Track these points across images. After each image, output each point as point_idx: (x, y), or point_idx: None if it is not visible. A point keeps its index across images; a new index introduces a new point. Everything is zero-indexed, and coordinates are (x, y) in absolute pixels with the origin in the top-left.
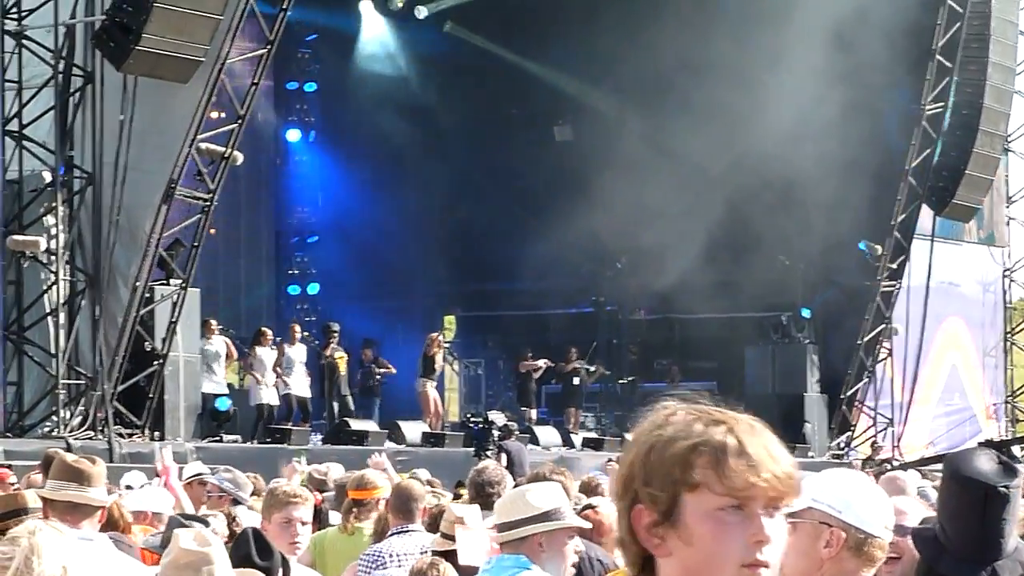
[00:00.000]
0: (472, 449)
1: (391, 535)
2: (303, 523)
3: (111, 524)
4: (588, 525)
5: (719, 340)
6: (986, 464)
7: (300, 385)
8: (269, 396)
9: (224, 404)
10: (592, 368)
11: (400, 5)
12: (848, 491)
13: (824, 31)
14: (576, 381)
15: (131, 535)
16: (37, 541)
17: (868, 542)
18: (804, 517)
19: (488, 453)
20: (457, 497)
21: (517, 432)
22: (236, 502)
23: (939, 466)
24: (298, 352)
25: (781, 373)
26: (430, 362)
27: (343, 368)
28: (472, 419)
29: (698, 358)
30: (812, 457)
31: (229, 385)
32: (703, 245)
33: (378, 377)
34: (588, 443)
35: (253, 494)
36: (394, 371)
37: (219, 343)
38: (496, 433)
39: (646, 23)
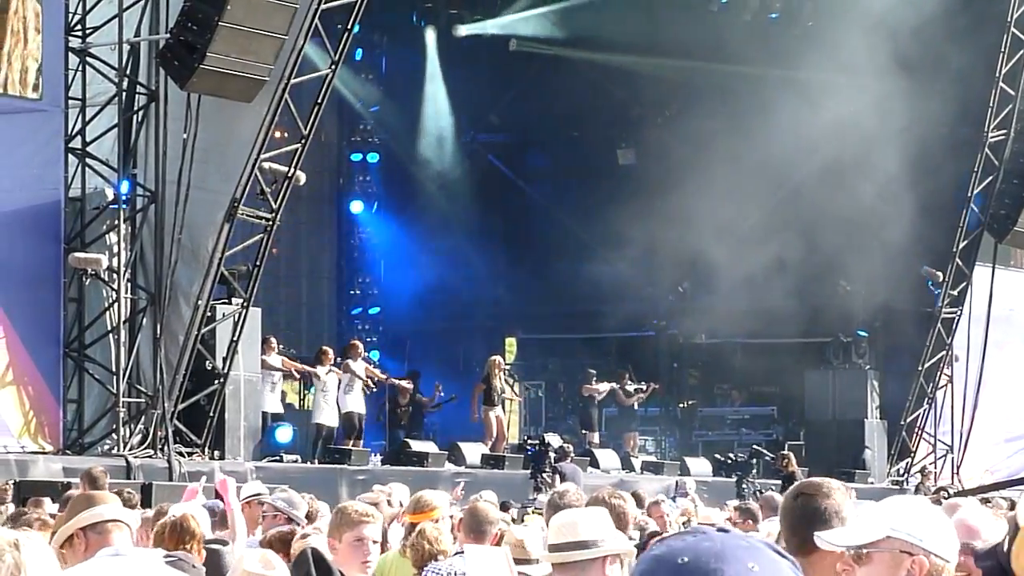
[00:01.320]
0: (529, 471)
1: (455, 554)
2: (374, 542)
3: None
4: (629, 548)
5: (780, 365)
6: None
7: (358, 402)
8: (329, 416)
9: (286, 437)
10: (631, 388)
11: (464, 33)
12: (926, 519)
13: (888, 55)
14: (635, 406)
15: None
16: (22, 558)
17: (946, 569)
18: (883, 547)
19: (544, 475)
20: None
21: (573, 454)
22: (291, 521)
23: (997, 494)
24: (359, 370)
25: (841, 399)
26: (491, 387)
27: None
28: (529, 441)
29: (758, 383)
30: (872, 484)
31: (288, 404)
32: (766, 270)
33: (430, 406)
34: (648, 467)
35: (307, 516)
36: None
37: (278, 362)
38: (552, 455)
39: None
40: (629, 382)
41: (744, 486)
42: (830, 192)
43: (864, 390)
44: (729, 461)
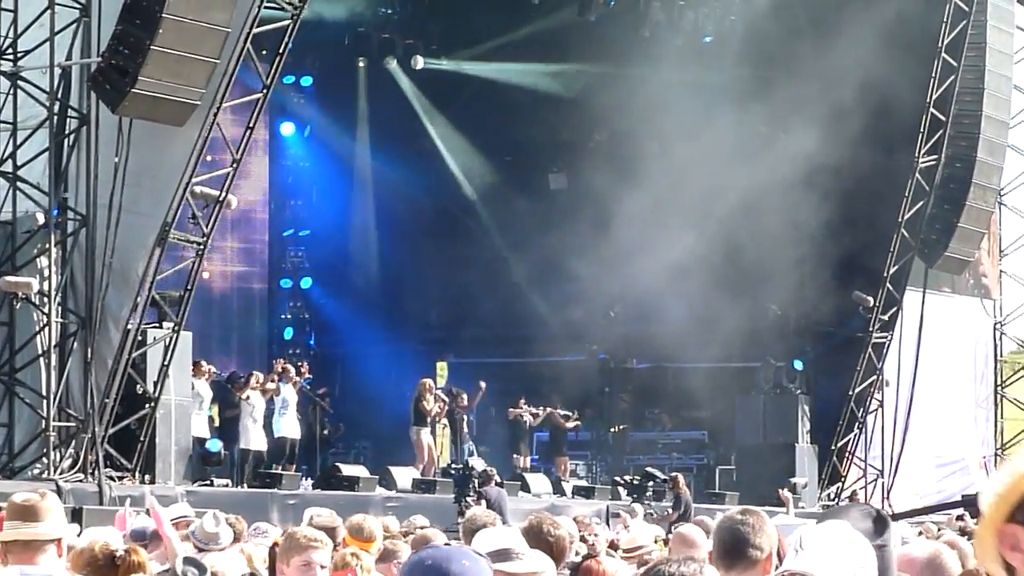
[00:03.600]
0: (452, 495)
1: None
2: (322, 567)
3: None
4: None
5: (710, 389)
6: (859, 521)
7: (292, 427)
8: (256, 440)
9: (215, 446)
10: (572, 414)
11: (420, 66)
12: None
13: (825, 82)
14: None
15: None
16: None
17: None
18: None
19: (469, 499)
20: None
21: (497, 478)
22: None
23: (927, 518)
24: (289, 392)
25: (772, 423)
26: (422, 409)
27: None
28: (453, 466)
29: (690, 407)
30: (803, 508)
31: (218, 428)
32: (695, 295)
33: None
34: (579, 491)
35: (235, 541)
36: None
37: (206, 386)
38: (476, 479)
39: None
40: (559, 410)
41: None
42: (762, 216)
43: (795, 414)
44: (623, 483)
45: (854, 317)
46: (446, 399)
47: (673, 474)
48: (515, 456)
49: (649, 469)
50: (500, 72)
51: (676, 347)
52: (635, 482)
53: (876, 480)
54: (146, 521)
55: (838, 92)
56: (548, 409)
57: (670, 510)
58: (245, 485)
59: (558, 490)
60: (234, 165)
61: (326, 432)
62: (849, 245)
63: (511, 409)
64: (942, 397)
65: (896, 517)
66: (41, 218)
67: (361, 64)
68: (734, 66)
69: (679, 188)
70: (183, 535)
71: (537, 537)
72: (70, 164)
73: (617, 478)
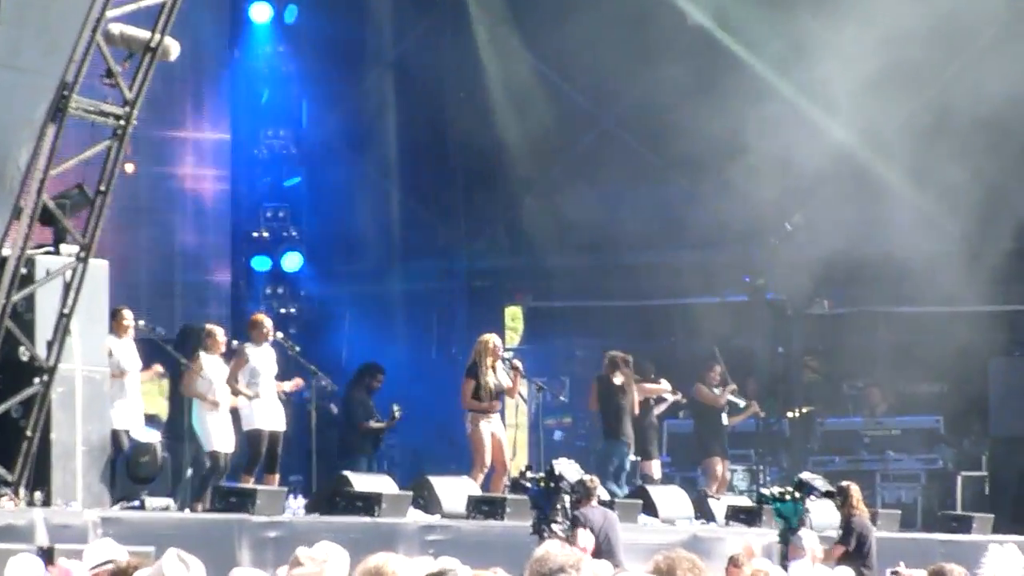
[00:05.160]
0: (530, 522)
1: None
2: None
3: None
4: None
5: (950, 349)
6: None
7: (269, 413)
8: (222, 436)
9: (147, 438)
10: (741, 402)
11: None
12: None
13: None
14: (724, 419)
15: None
16: None
17: None
18: None
19: (555, 527)
20: None
21: (603, 494)
22: None
23: None
24: (266, 358)
25: None
26: (481, 385)
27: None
28: (529, 475)
29: (915, 377)
30: None
31: (153, 416)
32: (930, 192)
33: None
34: (737, 514)
35: None
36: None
37: (132, 349)
38: (567, 496)
39: None
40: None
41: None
42: None
43: None
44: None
45: None
46: (521, 367)
47: (843, 484)
48: (636, 459)
49: (805, 476)
50: None
51: (894, 280)
52: (775, 495)
53: None
54: None
55: None
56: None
57: (836, 541)
58: (199, 508)
59: (703, 512)
60: None
61: (374, 423)
62: None
63: (638, 385)
64: None
65: None
66: None
67: None
68: None
69: None
70: None
71: None
72: None
73: (707, 492)
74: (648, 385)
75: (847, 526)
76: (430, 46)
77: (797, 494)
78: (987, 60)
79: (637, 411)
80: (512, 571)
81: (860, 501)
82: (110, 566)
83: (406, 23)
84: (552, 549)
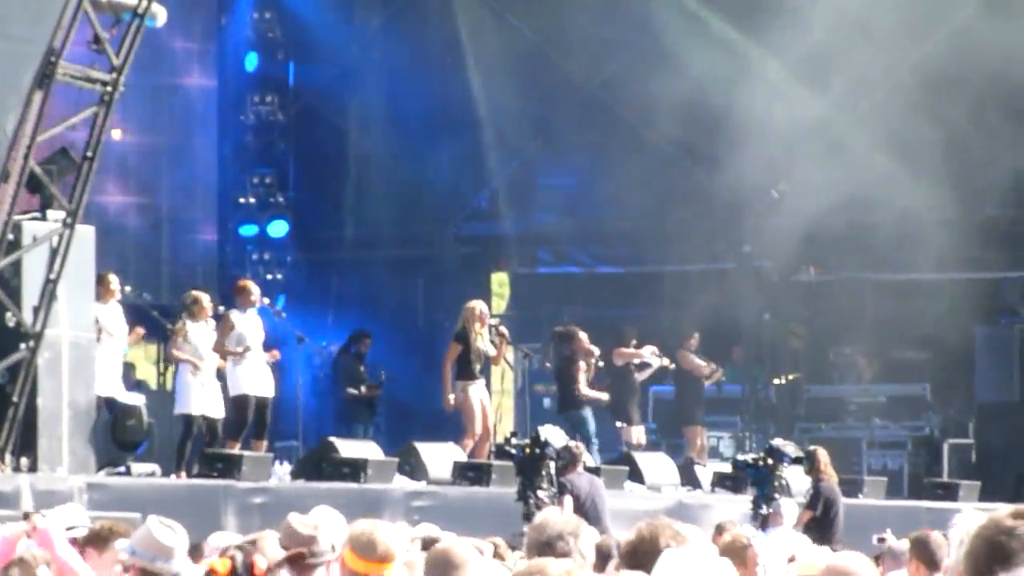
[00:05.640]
0: (515, 488)
1: None
2: None
3: None
4: None
5: (937, 315)
6: None
7: (258, 379)
8: (206, 403)
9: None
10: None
11: None
12: None
13: None
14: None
15: None
16: None
17: None
18: None
19: (541, 494)
20: None
21: (588, 460)
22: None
23: None
24: (252, 324)
25: None
26: (470, 352)
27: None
28: (514, 441)
29: (902, 344)
30: None
31: (140, 383)
32: (916, 157)
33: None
34: (723, 481)
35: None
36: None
37: (119, 315)
38: (552, 462)
39: None
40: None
41: (764, 503)
42: None
43: None
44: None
45: None
46: (507, 334)
47: (811, 448)
48: (619, 426)
49: (776, 442)
50: None
51: (881, 246)
52: (749, 462)
53: None
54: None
55: None
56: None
57: (804, 506)
58: (184, 474)
59: (689, 479)
60: None
61: (360, 390)
62: None
63: (617, 351)
64: None
65: None
66: None
67: None
68: None
69: None
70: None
71: (650, 557)
72: None
73: (694, 459)
74: (624, 350)
75: (815, 491)
76: (415, 18)
77: (770, 460)
78: (969, 28)
79: (592, 373)
80: (498, 535)
81: (828, 466)
82: (75, 531)
83: None
84: (551, 516)
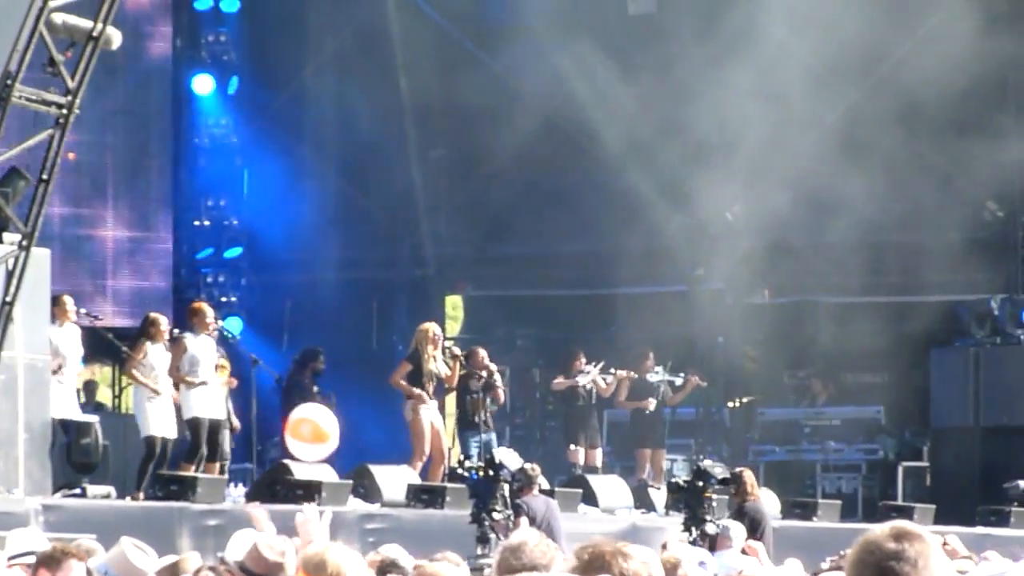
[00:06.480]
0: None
1: None
2: None
3: None
4: None
5: (890, 338)
6: None
7: (210, 402)
8: (162, 424)
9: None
10: (678, 380)
11: None
12: None
13: None
14: (652, 403)
15: None
16: None
17: None
18: None
19: (495, 517)
20: None
21: (542, 483)
22: None
23: None
24: (205, 347)
25: (989, 392)
26: (422, 374)
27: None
28: (467, 464)
29: (857, 367)
30: None
31: (98, 405)
32: (864, 185)
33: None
34: (676, 504)
35: None
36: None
37: (75, 337)
38: (506, 484)
39: None
40: (655, 370)
41: (693, 525)
42: None
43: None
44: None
45: None
46: (461, 357)
47: (738, 470)
48: (572, 448)
49: (705, 464)
50: None
51: (833, 270)
52: (681, 484)
53: None
54: None
55: None
56: (626, 373)
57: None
58: (141, 495)
59: (643, 502)
60: None
61: None
62: None
63: (554, 382)
64: None
65: None
66: None
67: None
68: None
69: None
70: None
71: None
72: None
73: (647, 482)
74: (558, 380)
75: (739, 511)
76: (366, 45)
77: (699, 483)
78: (932, 45)
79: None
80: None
81: (755, 487)
82: (31, 557)
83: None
84: (531, 541)
